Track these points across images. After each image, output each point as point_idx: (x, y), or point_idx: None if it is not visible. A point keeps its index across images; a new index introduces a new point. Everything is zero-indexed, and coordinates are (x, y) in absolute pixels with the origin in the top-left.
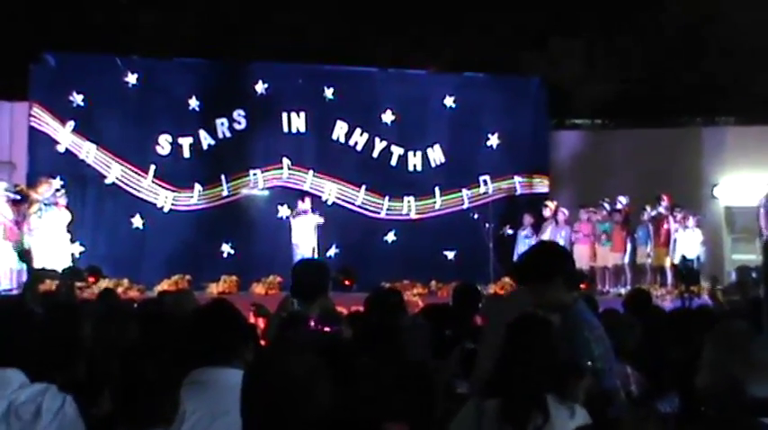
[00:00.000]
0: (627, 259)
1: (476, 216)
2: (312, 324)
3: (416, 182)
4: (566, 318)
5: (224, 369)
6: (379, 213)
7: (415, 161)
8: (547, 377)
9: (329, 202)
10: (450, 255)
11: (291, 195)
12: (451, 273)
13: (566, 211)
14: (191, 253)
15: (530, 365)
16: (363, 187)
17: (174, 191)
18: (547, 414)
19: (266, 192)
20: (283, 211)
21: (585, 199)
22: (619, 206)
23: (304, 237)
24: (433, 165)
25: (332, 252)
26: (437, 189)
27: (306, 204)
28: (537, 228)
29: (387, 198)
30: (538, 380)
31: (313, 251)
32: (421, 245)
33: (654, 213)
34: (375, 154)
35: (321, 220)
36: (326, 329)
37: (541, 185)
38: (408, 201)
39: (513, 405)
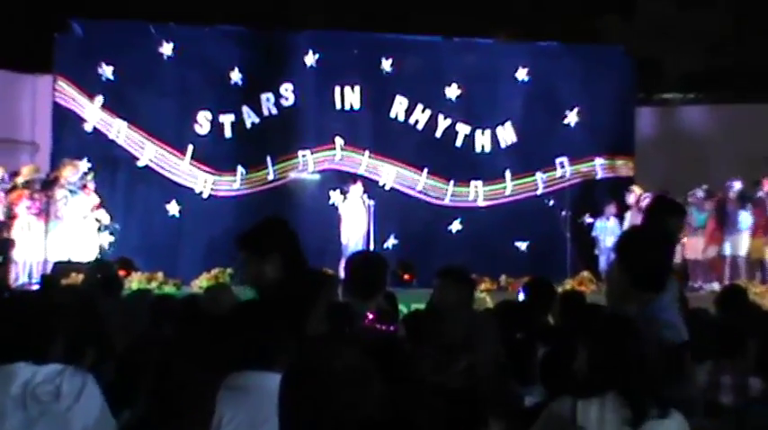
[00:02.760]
0: (724, 251)
1: (551, 203)
2: (369, 319)
3: (484, 164)
4: (641, 315)
5: (265, 373)
6: (442, 200)
7: (482, 141)
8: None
9: (386, 187)
10: (523, 246)
11: (345, 179)
12: (523, 266)
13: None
14: (232, 244)
15: (643, 360)
16: (425, 170)
17: (214, 174)
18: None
19: (316, 176)
20: (335, 197)
21: (675, 183)
22: (720, 191)
23: (355, 226)
24: (503, 145)
25: (389, 243)
26: (508, 172)
27: (357, 188)
28: (620, 216)
29: (451, 182)
30: (649, 375)
31: (367, 242)
32: (489, 235)
33: (755, 199)
34: (438, 133)
35: (371, 203)
36: (382, 328)
37: (625, 168)
38: (475, 187)
39: (634, 399)
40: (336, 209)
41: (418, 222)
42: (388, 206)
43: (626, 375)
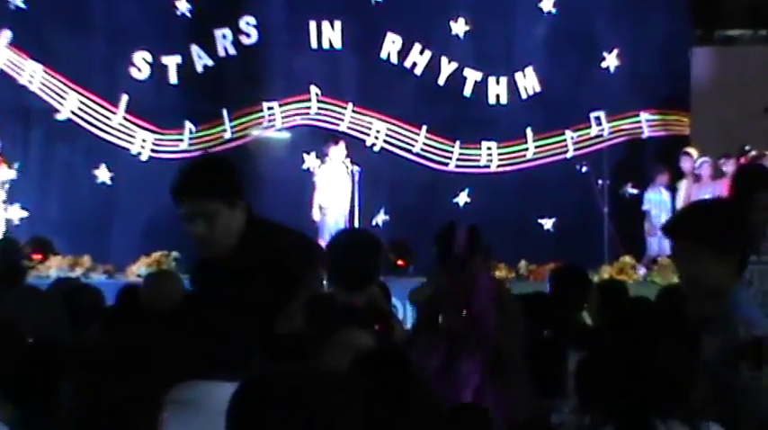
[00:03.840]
0: None
1: (584, 169)
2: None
3: (500, 120)
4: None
5: (222, 384)
6: (446, 165)
7: (497, 90)
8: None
9: (375, 149)
10: (548, 223)
11: (322, 139)
12: (549, 249)
13: (713, 162)
14: (179, 220)
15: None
16: (424, 128)
17: (155, 131)
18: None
19: (286, 135)
20: (310, 162)
21: (739, 143)
22: None
23: (336, 198)
24: (523, 95)
25: (378, 219)
26: (529, 130)
27: (338, 150)
28: (672, 186)
29: (457, 143)
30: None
31: (351, 218)
32: (506, 209)
33: None
34: (441, 80)
35: (355, 169)
36: (376, 327)
37: (679, 125)
38: (488, 148)
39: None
40: (311, 176)
41: (415, 193)
42: (378, 173)
43: (675, 393)
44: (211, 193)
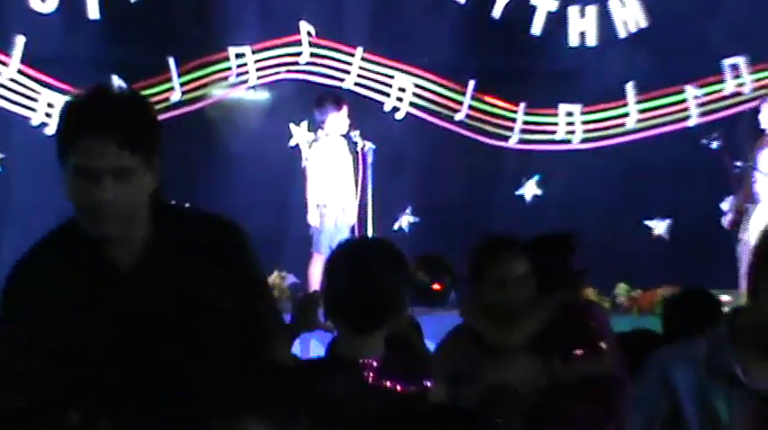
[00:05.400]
0: None
1: (715, 144)
2: (371, 377)
3: (585, 71)
4: None
5: None
6: (505, 139)
7: (582, 26)
8: None
9: (398, 115)
10: (659, 227)
11: (316, 100)
12: (661, 266)
13: None
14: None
15: None
16: (471, 84)
17: (66, 92)
18: None
19: (264, 96)
20: (299, 136)
21: None
22: None
23: (338, 190)
24: (621, 33)
25: (403, 222)
26: (630, 87)
27: (340, 118)
28: None
29: (521, 106)
30: None
31: (362, 220)
32: (594, 207)
33: None
34: (496, 12)
35: (367, 146)
36: (399, 387)
37: None
38: (568, 114)
39: None
40: (299, 156)
41: (457, 182)
42: (401, 152)
43: None
44: (134, 140)
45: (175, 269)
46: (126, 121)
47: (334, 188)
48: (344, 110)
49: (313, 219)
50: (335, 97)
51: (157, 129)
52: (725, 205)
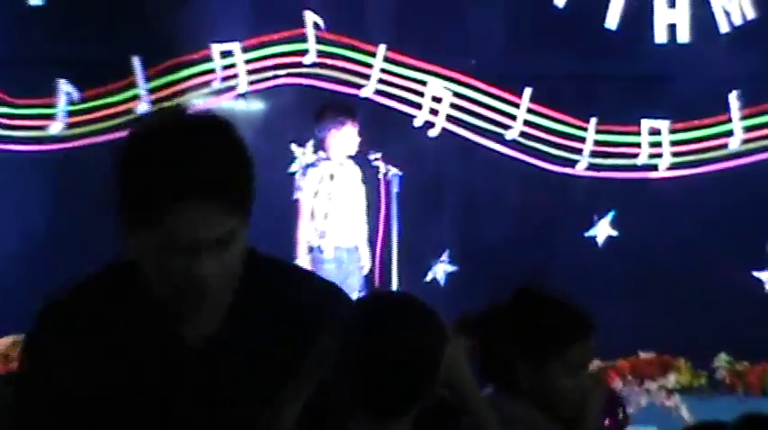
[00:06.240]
0: None
1: None
2: None
3: (675, 77)
4: None
5: None
6: (572, 165)
7: (670, 17)
8: None
9: (432, 132)
10: None
11: (322, 113)
12: None
13: None
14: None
15: None
16: (528, 93)
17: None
18: None
19: (258, 105)
20: (306, 157)
21: None
22: None
23: (348, 228)
24: (723, 28)
25: (438, 271)
26: (734, 98)
27: (344, 137)
28: None
29: (593, 122)
30: None
31: (382, 270)
32: (686, 251)
33: None
34: (560, 0)
35: (390, 172)
36: None
37: None
38: (653, 131)
39: None
40: (298, 186)
41: (508, 221)
42: (435, 180)
43: None
44: (238, 198)
45: (259, 348)
46: (227, 173)
47: (334, 227)
48: (351, 125)
49: (302, 257)
50: (340, 108)
51: (253, 170)
52: None
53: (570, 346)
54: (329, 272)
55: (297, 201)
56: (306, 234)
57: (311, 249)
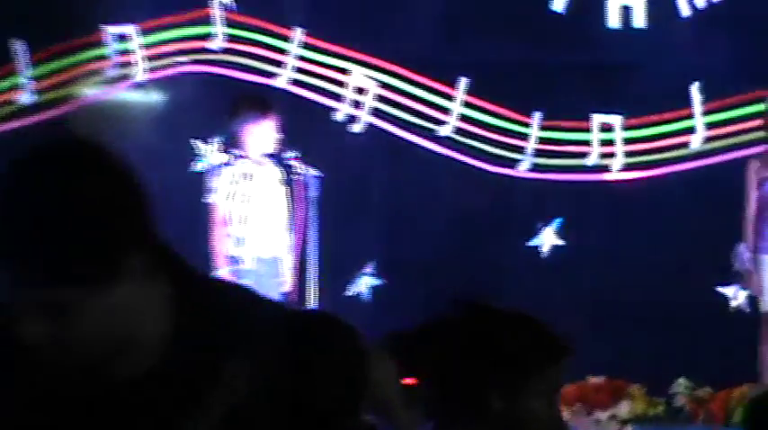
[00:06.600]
0: None
1: None
2: None
3: (629, 65)
4: None
5: None
6: (512, 165)
7: None
8: None
9: (356, 127)
10: (739, 296)
11: (234, 106)
12: (741, 352)
13: None
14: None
15: None
16: (463, 84)
17: None
18: None
19: (157, 96)
20: (210, 156)
21: None
22: None
23: (264, 235)
24: (684, 11)
25: (364, 285)
26: (695, 89)
27: (262, 132)
28: None
29: (537, 117)
30: None
31: (300, 284)
32: (641, 263)
33: None
34: None
35: (309, 174)
36: None
37: None
38: (605, 127)
39: None
40: (210, 192)
41: (442, 228)
42: (359, 182)
43: None
44: (61, 264)
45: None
46: (53, 232)
47: (253, 234)
48: (270, 120)
49: (221, 266)
50: (257, 101)
51: (114, 224)
52: None
53: (547, 370)
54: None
55: (209, 204)
56: (221, 242)
57: (227, 259)
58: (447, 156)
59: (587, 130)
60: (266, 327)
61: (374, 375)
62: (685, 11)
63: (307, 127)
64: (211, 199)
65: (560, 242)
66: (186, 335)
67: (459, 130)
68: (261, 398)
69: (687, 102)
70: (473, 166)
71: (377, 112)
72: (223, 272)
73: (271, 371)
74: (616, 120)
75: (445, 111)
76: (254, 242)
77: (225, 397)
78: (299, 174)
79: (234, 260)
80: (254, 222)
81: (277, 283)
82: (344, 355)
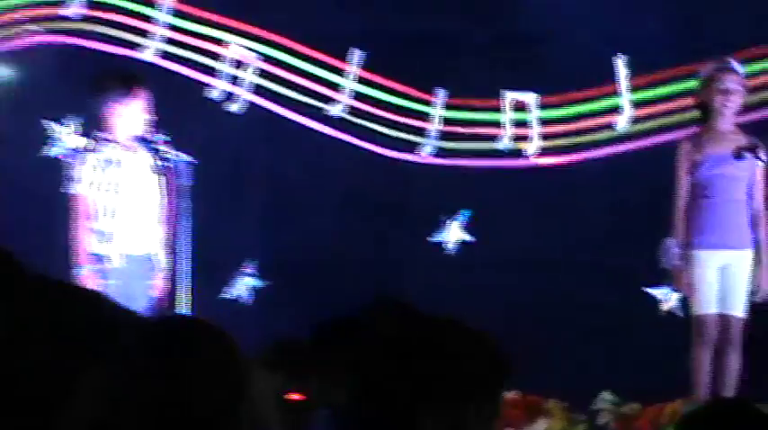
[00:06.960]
0: None
1: (764, 157)
2: None
3: (545, 36)
4: None
5: None
6: (413, 149)
7: None
8: None
9: (234, 107)
10: (671, 298)
11: (97, 82)
12: (673, 361)
13: None
14: None
15: None
16: (356, 55)
17: None
18: None
19: (4, 71)
20: (67, 139)
21: None
22: None
23: (127, 227)
24: None
25: (243, 287)
26: (620, 63)
27: (133, 108)
28: None
29: (441, 95)
30: None
31: (171, 285)
32: (560, 262)
33: None
34: None
35: (182, 160)
36: None
37: None
38: (518, 106)
39: None
40: (69, 180)
41: (332, 222)
42: (238, 170)
43: None
44: None
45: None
46: None
47: (122, 229)
48: (141, 98)
49: (85, 279)
50: (124, 77)
51: None
52: None
53: (493, 390)
54: (115, 288)
55: (69, 195)
56: (85, 238)
57: (93, 257)
58: (338, 140)
59: (498, 110)
60: (125, 336)
61: (249, 390)
62: None
63: (177, 106)
64: (73, 189)
65: (467, 238)
66: (20, 349)
67: (351, 110)
68: (128, 409)
69: (611, 77)
70: (368, 151)
71: (257, 90)
72: (86, 271)
73: (136, 382)
74: (530, 97)
75: (335, 87)
76: (123, 238)
77: (81, 410)
78: (168, 159)
79: (99, 258)
80: (123, 215)
81: (147, 285)
82: (214, 361)
